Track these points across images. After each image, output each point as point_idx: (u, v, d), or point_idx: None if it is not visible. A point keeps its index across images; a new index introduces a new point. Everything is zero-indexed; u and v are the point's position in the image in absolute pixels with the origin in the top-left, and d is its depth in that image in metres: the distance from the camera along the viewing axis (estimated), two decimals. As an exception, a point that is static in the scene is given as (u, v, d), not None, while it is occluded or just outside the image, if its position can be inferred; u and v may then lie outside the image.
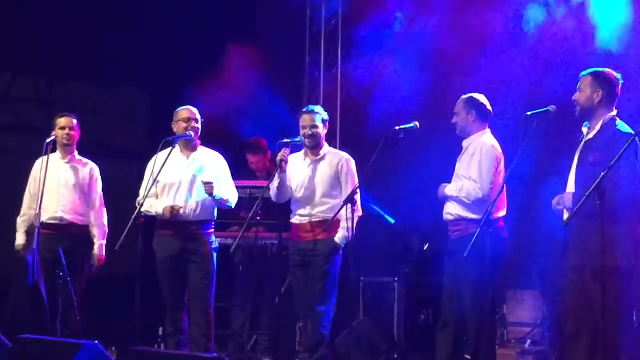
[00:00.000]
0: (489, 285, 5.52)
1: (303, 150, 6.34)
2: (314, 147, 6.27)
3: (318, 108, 6.41)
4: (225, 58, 8.14)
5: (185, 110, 6.25)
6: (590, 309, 4.78)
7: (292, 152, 6.24)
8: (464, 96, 5.83)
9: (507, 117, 6.49)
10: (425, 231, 7.64)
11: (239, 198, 6.49)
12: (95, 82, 8.83)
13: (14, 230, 6.71)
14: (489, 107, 5.83)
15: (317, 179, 6.22)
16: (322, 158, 6.28)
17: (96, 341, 4.58)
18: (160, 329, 6.63)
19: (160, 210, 6.12)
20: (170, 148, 6.09)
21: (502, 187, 5.52)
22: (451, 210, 5.75)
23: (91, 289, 6.77)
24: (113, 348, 6.34)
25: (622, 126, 4.97)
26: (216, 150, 6.39)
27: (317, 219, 6.16)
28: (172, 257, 6.13)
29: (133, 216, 5.84)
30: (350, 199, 5.86)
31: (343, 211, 5.90)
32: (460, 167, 5.77)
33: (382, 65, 8.14)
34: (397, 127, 5.84)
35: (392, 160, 6.51)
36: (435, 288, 6.72)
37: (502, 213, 5.67)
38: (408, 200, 7.62)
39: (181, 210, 6.09)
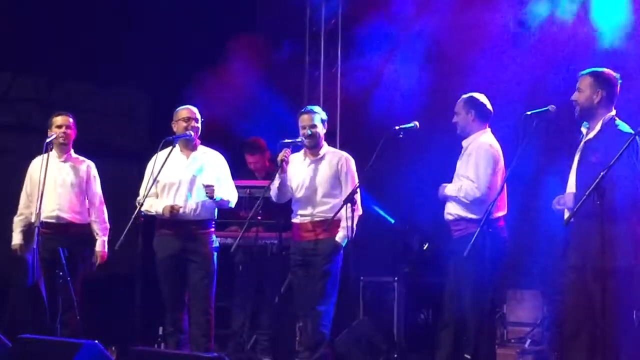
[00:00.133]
0: (489, 285, 5.51)
1: (303, 151, 6.34)
2: (314, 147, 6.27)
3: (317, 108, 6.41)
4: (225, 58, 8.14)
5: (185, 110, 6.25)
6: (590, 309, 4.78)
7: (292, 152, 6.25)
8: (464, 96, 5.84)
9: (508, 117, 6.48)
10: (425, 231, 7.65)
11: (239, 198, 6.49)
12: (95, 82, 8.83)
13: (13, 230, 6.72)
14: (489, 106, 5.83)
15: (318, 178, 6.22)
16: (322, 158, 6.29)
17: (96, 341, 4.59)
18: (160, 328, 6.63)
19: (160, 210, 6.12)
20: (170, 148, 6.09)
21: (503, 186, 5.52)
22: (451, 210, 5.76)
23: (91, 289, 6.77)
24: (113, 348, 6.34)
25: (623, 126, 4.97)
26: (216, 150, 6.39)
27: (318, 219, 6.16)
28: (172, 256, 6.13)
29: (133, 216, 5.84)
30: (350, 199, 5.87)
31: (343, 211, 5.91)
32: (460, 167, 5.78)
33: (382, 65, 8.14)
34: (397, 127, 5.85)
35: (392, 160, 6.52)
36: (435, 288, 6.73)
37: (502, 213, 5.67)
38: (408, 200, 7.62)
39: (181, 210, 6.09)
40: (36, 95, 8.84)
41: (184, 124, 6.19)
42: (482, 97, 5.82)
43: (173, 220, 6.10)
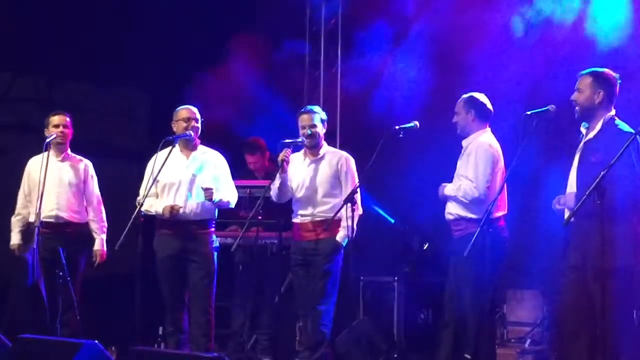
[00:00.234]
0: (489, 285, 5.51)
1: (303, 151, 6.34)
2: (314, 147, 6.27)
3: (317, 108, 6.42)
4: (225, 58, 8.14)
5: (185, 110, 6.25)
6: (590, 309, 4.77)
7: (293, 152, 6.25)
8: (464, 95, 5.84)
9: (508, 116, 6.48)
10: (425, 231, 7.65)
11: (239, 197, 6.49)
12: (95, 82, 8.83)
13: (12, 230, 6.73)
14: (489, 106, 5.83)
15: (318, 178, 6.22)
16: (322, 158, 6.29)
17: (96, 341, 4.59)
18: (160, 328, 6.63)
19: (160, 210, 6.11)
20: (170, 148, 6.09)
21: (503, 186, 5.52)
22: (451, 210, 5.76)
23: (91, 289, 6.77)
24: (113, 348, 6.34)
25: (623, 126, 4.97)
26: (216, 150, 6.39)
27: (319, 219, 6.17)
28: (173, 256, 6.13)
29: (133, 216, 5.84)
30: (350, 199, 5.87)
31: (343, 210, 5.91)
32: (460, 167, 5.78)
33: (382, 65, 8.13)
34: (397, 127, 5.85)
35: (392, 160, 6.51)
36: (435, 288, 6.74)
37: (502, 212, 5.67)
38: (408, 200, 7.62)
39: (181, 210, 6.09)
40: (36, 95, 8.84)
41: (184, 124, 6.19)
42: (482, 97, 5.82)
43: (173, 220, 6.10)
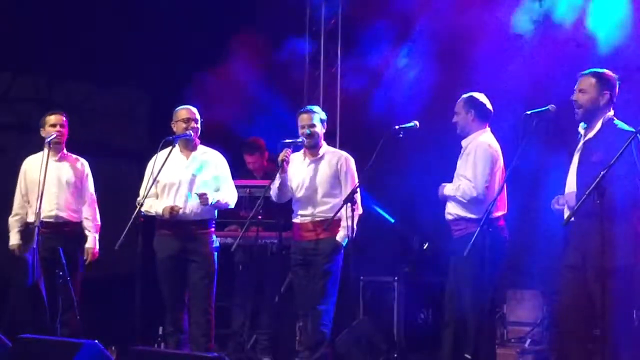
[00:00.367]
0: (489, 285, 5.51)
1: (302, 150, 6.34)
2: (313, 147, 6.27)
3: (316, 108, 6.42)
4: (225, 58, 8.14)
5: (185, 110, 6.24)
6: (589, 309, 4.77)
7: (293, 152, 6.25)
8: (464, 95, 5.84)
9: (508, 116, 6.48)
10: (425, 231, 7.64)
11: (239, 197, 6.48)
12: (95, 82, 8.84)
13: (11, 230, 6.72)
14: (489, 106, 5.83)
15: (318, 178, 6.22)
16: (322, 158, 6.29)
17: (96, 341, 4.58)
18: (160, 328, 6.63)
19: (160, 211, 6.11)
20: (170, 148, 6.09)
21: (502, 186, 5.52)
22: (451, 210, 5.76)
23: (91, 289, 6.77)
24: (113, 348, 6.34)
25: (622, 125, 4.97)
26: (216, 150, 6.38)
27: (319, 219, 6.17)
28: (173, 257, 6.13)
29: (133, 216, 5.83)
30: (350, 198, 5.86)
31: (343, 210, 5.91)
32: (460, 166, 5.78)
33: (382, 65, 8.14)
34: (397, 127, 5.84)
35: (393, 160, 6.52)
36: (435, 288, 6.74)
37: (501, 212, 5.66)
38: (408, 200, 7.62)
39: (181, 211, 6.09)
40: (36, 95, 8.85)
41: (184, 125, 6.18)
42: (482, 97, 5.82)
43: (173, 220, 6.10)
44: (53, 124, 6.63)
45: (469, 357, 5.55)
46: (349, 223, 5.88)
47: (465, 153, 5.75)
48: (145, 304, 5.96)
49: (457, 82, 6.96)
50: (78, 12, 8.28)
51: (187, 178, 6.18)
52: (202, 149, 6.31)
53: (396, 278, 7.46)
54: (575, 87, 5.09)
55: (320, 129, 6.27)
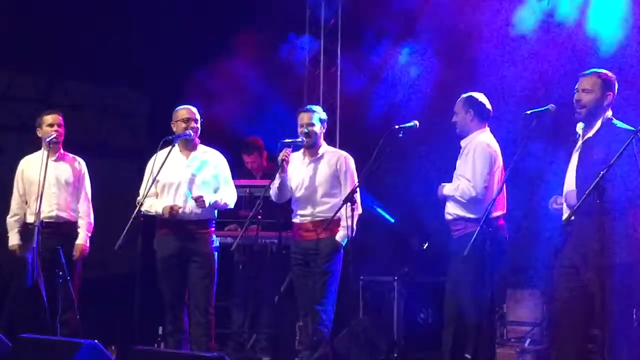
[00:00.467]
0: (488, 285, 5.50)
1: (302, 150, 6.34)
2: (312, 146, 6.26)
3: (317, 107, 6.41)
4: (225, 58, 8.14)
5: (185, 110, 6.24)
6: (588, 308, 4.77)
7: (293, 151, 6.24)
8: (463, 95, 5.83)
9: (508, 116, 6.49)
10: (425, 231, 7.65)
11: (239, 197, 6.48)
12: (95, 82, 8.84)
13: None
14: (488, 106, 5.82)
15: (317, 178, 6.22)
16: (321, 157, 6.28)
17: (96, 340, 4.59)
18: (160, 328, 6.63)
19: (160, 210, 6.11)
20: (170, 147, 6.09)
21: (502, 186, 5.52)
22: (450, 210, 5.76)
23: (91, 288, 6.77)
24: (113, 347, 6.33)
25: (621, 124, 4.98)
26: (215, 149, 6.38)
27: (318, 219, 6.16)
28: (173, 256, 6.13)
29: (133, 216, 5.84)
30: (350, 198, 5.86)
31: (343, 210, 5.90)
32: (459, 166, 5.78)
33: (382, 64, 8.14)
34: (396, 127, 5.84)
35: (393, 159, 6.51)
36: (435, 288, 6.73)
37: (500, 212, 5.66)
38: (408, 200, 7.62)
39: (180, 210, 6.09)
40: (36, 95, 8.85)
41: (183, 125, 6.18)
42: (481, 97, 5.82)
43: (173, 220, 6.10)
44: (50, 124, 6.62)
45: (468, 356, 5.55)
46: (349, 223, 5.87)
47: (464, 153, 5.75)
48: (145, 303, 5.97)
49: (457, 81, 6.96)
50: (78, 12, 8.29)
51: (186, 178, 6.18)
52: (202, 148, 6.31)
53: (396, 278, 7.46)
54: (577, 87, 5.08)
55: (319, 129, 6.26)
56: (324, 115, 6.35)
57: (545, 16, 7.30)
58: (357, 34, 8.20)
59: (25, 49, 8.23)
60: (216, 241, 6.26)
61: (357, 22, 8.24)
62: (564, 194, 5.06)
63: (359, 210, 6.10)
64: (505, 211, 5.72)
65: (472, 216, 5.59)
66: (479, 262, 5.34)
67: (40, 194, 6.32)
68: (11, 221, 6.68)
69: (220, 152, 6.37)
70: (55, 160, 6.65)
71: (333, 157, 6.28)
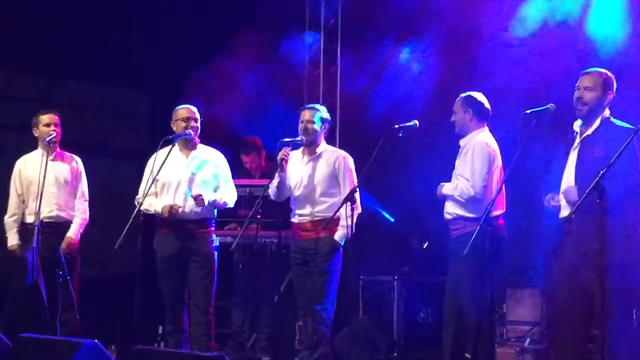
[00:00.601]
0: (488, 284, 5.51)
1: (302, 149, 6.34)
2: (310, 144, 6.25)
3: (320, 107, 6.41)
4: (225, 57, 8.14)
5: (185, 110, 6.24)
6: (587, 308, 4.77)
7: (292, 150, 6.24)
8: (462, 94, 5.83)
9: (508, 116, 6.49)
10: (425, 230, 7.65)
11: (238, 196, 6.48)
12: (95, 82, 8.84)
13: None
14: (487, 105, 5.82)
15: (315, 177, 6.21)
16: (319, 156, 6.27)
17: (96, 340, 4.59)
18: (160, 327, 6.64)
19: (159, 209, 6.11)
20: (170, 147, 6.10)
21: (501, 185, 5.52)
22: (449, 209, 5.76)
23: (91, 288, 6.77)
24: (113, 347, 6.34)
25: (620, 122, 5.00)
26: (214, 149, 6.38)
27: (317, 218, 6.16)
28: (173, 256, 6.13)
29: (133, 215, 5.84)
30: (350, 198, 5.86)
31: (343, 209, 5.90)
32: (458, 166, 5.78)
33: (382, 64, 8.14)
34: (396, 126, 5.84)
35: (392, 159, 6.52)
36: (435, 287, 6.73)
37: (500, 211, 5.66)
38: (408, 199, 7.62)
39: (180, 210, 6.09)
40: (36, 95, 8.86)
41: (183, 124, 6.18)
42: (480, 96, 5.82)
43: (173, 219, 6.10)
44: (47, 124, 6.62)
45: (468, 356, 5.55)
46: (348, 222, 5.87)
47: (463, 152, 5.76)
48: (145, 303, 5.97)
49: (457, 81, 6.96)
50: (78, 12, 8.29)
51: (186, 177, 6.18)
52: (202, 147, 6.31)
53: (396, 277, 7.47)
54: (578, 84, 5.10)
55: (319, 127, 6.25)
56: (326, 116, 6.34)
57: (546, 16, 7.30)
58: (357, 34, 8.21)
59: (25, 49, 8.23)
60: (216, 241, 6.27)
61: (357, 22, 8.24)
62: (561, 191, 5.06)
63: (358, 210, 6.10)
64: (504, 210, 5.72)
65: (471, 215, 5.59)
66: (479, 261, 5.35)
67: (39, 194, 6.32)
68: (10, 221, 6.67)
69: (220, 152, 6.37)
70: (52, 160, 6.65)
71: (332, 156, 6.28)
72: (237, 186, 6.46)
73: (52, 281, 6.36)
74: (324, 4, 8.59)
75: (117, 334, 6.32)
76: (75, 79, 8.77)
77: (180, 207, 6.09)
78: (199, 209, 6.13)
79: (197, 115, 6.25)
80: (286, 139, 6.19)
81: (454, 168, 5.84)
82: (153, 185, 6.10)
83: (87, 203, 6.75)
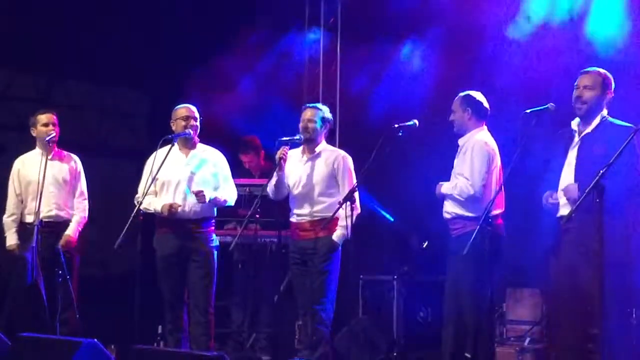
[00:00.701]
0: (488, 283, 5.51)
1: (301, 148, 6.34)
2: (309, 143, 6.25)
3: (323, 107, 6.41)
4: (224, 57, 8.14)
5: (184, 109, 6.25)
6: (587, 307, 4.77)
7: (291, 149, 6.24)
8: (461, 94, 5.83)
9: (507, 116, 6.49)
10: (425, 230, 7.65)
11: (238, 195, 6.48)
12: (95, 82, 8.84)
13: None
14: (486, 104, 5.82)
15: (314, 176, 6.21)
16: (319, 155, 6.27)
17: (95, 339, 4.59)
18: (160, 327, 6.63)
19: (159, 208, 6.11)
20: (169, 146, 6.10)
21: (501, 185, 5.52)
22: (448, 209, 5.76)
23: (91, 287, 6.77)
24: (112, 346, 6.34)
25: (619, 122, 5.01)
26: (214, 148, 6.38)
27: (316, 218, 6.16)
28: (173, 255, 6.13)
29: (132, 214, 5.84)
30: (349, 198, 5.85)
31: (342, 209, 5.89)
32: (457, 165, 5.78)
33: (381, 63, 8.14)
34: (396, 125, 5.84)
35: (392, 158, 6.52)
36: (434, 287, 6.73)
37: (499, 211, 5.66)
38: (407, 199, 7.62)
39: (180, 209, 6.09)
40: (36, 95, 8.86)
41: (183, 123, 6.19)
42: (478, 95, 5.82)
43: (172, 218, 6.10)
44: (45, 124, 6.62)
45: (468, 355, 5.55)
46: (347, 222, 5.87)
47: (462, 151, 5.76)
48: (144, 302, 5.97)
49: (457, 81, 6.96)
50: (78, 12, 8.29)
51: (186, 176, 6.18)
52: (201, 147, 6.32)
53: (395, 277, 7.46)
54: (578, 83, 5.11)
55: (319, 126, 6.25)
56: (328, 116, 6.33)
57: (546, 16, 7.30)
58: (356, 33, 8.20)
59: (25, 49, 8.24)
60: (216, 240, 6.27)
61: (356, 21, 8.23)
62: (560, 189, 5.06)
63: (358, 209, 6.10)
64: (503, 209, 5.72)
65: (470, 215, 5.59)
66: (479, 261, 5.35)
67: (39, 193, 6.32)
68: (8, 221, 6.67)
69: (219, 151, 6.37)
70: (51, 159, 6.64)
71: (331, 155, 6.27)
72: (236, 186, 6.45)
73: (52, 281, 6.37)
74: (323, 3, 8.59)
75: (117, 334, 6.32)
76: (75, 79, 8.77)
77: (180, 206, 6.09)
78: (198, 208, 6.13)
79: (197, 115, 6.26)
80: (284, 138, 6.19)
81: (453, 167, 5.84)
82: (152, 185, 6.10)
83: (86, 202, 6.75)
